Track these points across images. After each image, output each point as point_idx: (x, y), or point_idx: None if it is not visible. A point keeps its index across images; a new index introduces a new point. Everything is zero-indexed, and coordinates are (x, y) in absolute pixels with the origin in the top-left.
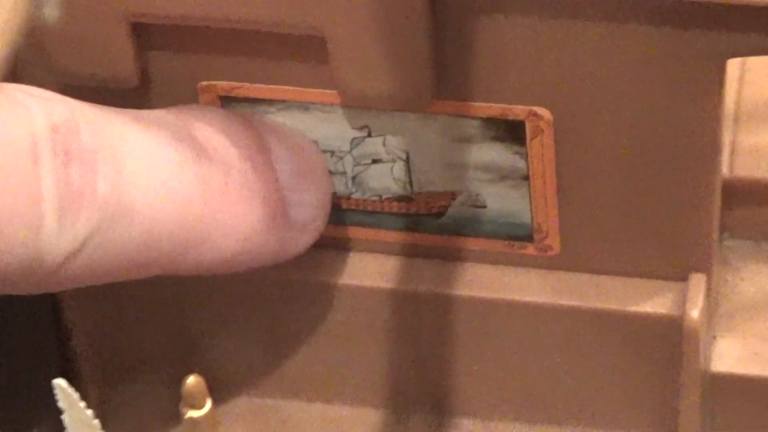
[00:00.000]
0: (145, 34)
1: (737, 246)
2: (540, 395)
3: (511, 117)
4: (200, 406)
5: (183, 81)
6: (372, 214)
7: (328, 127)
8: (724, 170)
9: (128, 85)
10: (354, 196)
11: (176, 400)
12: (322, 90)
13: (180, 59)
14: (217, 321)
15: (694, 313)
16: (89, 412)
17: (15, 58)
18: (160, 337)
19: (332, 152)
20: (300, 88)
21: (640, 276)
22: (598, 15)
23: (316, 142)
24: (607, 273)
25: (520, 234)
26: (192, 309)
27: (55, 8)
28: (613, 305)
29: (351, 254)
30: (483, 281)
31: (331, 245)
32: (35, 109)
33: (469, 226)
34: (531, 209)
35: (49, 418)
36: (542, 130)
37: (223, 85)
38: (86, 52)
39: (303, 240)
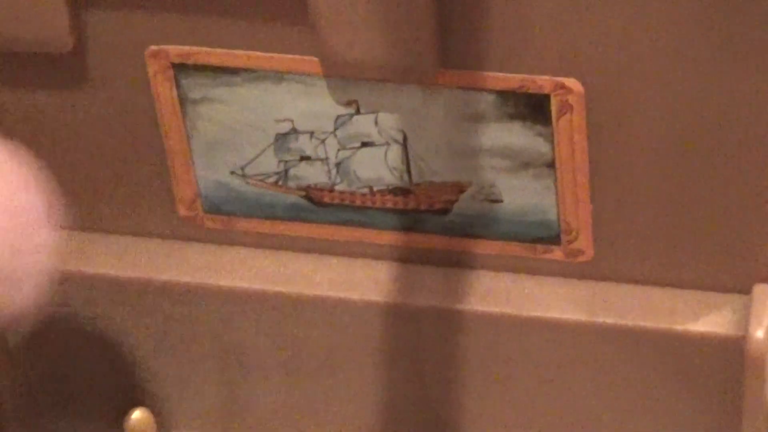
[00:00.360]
0: None
1: None
2: (569, 430)
3: (533, 90)
4: None
5: (128, 45)
6: (361, 211)
7: (307, 103)
8: None
9: (61, 48)
10: (338, 187)
11: None
12: (299, 56)
13: (123, 18)
14: (162, 347)
15: (759, 332)
16: None
17: None
18: (98, 366)
19: (311, 133)
20: (272, 54)
21: (693, 287)
22: None
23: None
24: (650, 283)
25: (545, 235)
26: (135, 333)
27: None
28: (658, 323)
29: (334, 260)
30: (498, 293)
31: (308, 249)
32: None
33: (481, 225)
34: (558, 204)
35: None
36: (571, 107)
37: (176, 50)
38: (13, 10)
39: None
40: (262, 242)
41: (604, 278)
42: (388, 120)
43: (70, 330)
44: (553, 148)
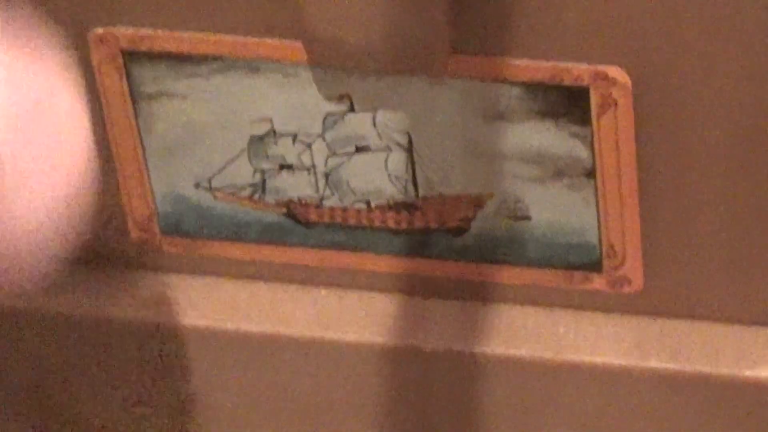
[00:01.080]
0: None
1: None
2: None
3: (567, 81)
4: None
5: (65, 27)
6: (356, 231)
7: (289, 98)
8: None
9: None
10: (328, 202)
11: None
12: (279, 40)
13: None
14: (106, 394)
15: None
16: None
17: None
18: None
19: (294, 135)
20: (245, 38)
21: (761, 323)
22: None
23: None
24: (711, 320)
25: (583, 260)
26: (72, 379)
27: None
28: (721, 367)
29: (322, 293)
30: (526, 332)
31: (291, 279)
32: None
33: (505, 248)
34: (599, 222)
35: None
36: (615, 102)
37: (127, 33)
38: None
39: None
40: (232, 270)
41: (655, 313)
42: (389, 119)
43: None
44: (593, 153)
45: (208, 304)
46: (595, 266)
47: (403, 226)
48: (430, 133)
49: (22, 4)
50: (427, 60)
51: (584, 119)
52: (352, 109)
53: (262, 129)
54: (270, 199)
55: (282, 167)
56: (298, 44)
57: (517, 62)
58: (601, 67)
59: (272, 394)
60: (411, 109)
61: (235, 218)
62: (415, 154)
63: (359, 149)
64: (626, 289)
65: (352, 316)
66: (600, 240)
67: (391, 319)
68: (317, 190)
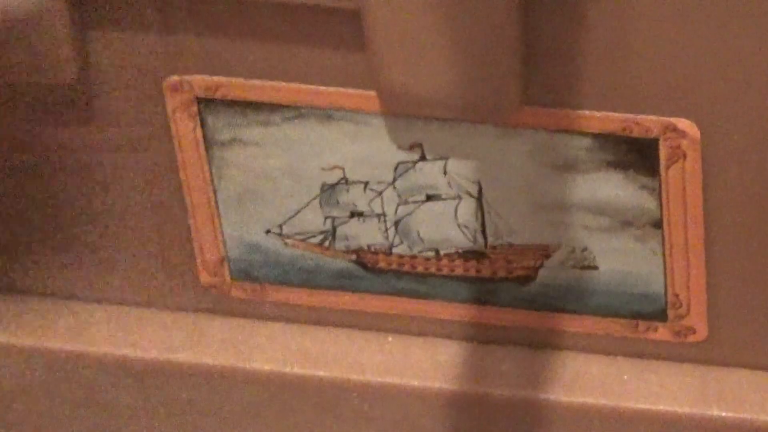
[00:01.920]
0: (86, 6)
1: None
2: None
3: (636, 133)
4: None
5: (142, 74)
6: (424, 279)
7: (361, 146)
8: None
9: (63, 78)
10: (397, 250)
11: None
12: (352, 90)
13: (138, 41)
14: None
15: None
16: None
17: None
18: None
19: (365, 183)
20: (319, 87)
21: None
22: None
23: None
24: None
25: (648, 310)
26: (146, 424)
27: None
28: None
29: (389, 339)
30: (590, 380)
31: (358, 325)
32: None
33: (571, 297)
34: (665, 273)
35: None
36: (684, 154)
37: (201, 81)
38: (7, 33)
39: None
40: (301, 316)
41: (720, 362)
42: (460, 168)
43: (62, 416)
44: (660, 204)
45: (275, 349)
46: (659, 316)
47: (471, 274)
48: (501, 182)
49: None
50: (497, 110)
51: (653, 170)
52: (423, 158)
53: (333, 177)
54: (340, 245)
55: (353, 215)
56: (371, 93)
57: (588, 114)
58: (671, 120)
59: None
60: (481, 159)
61: (305, 264)
62: (484, 204)
63: (429, 197)
64: (690, 339)
65: (418, 362)
66: (665, 290)
67: (457, 366)
68: (387, 238)
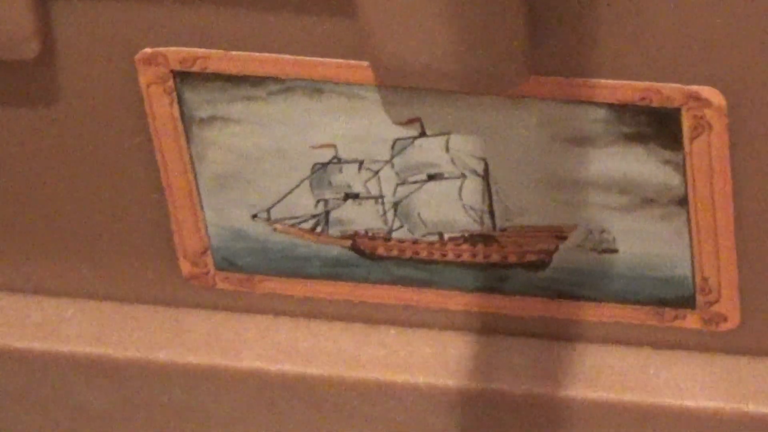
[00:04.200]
0: None
1: None
2: None
3: (657, 103)
4: None
5: (113, 47)
6: (427, 266)
7: (355, 122)
8: None
9: (24, 54)
10: (397, 234)
11: None
12: (345, 61)
13: (107, 12)
14: None
15: None
16: None
17: None
18: None
19: (360, 162)
20: (308, 58)
21: None
22: None
23: None
24: None
25: (675, 296)
26: (126, 427)
27: None
28: None
29: (391, 332)
30: (612, 374)
31: (356, 318)
32: None
33: (589, 283)
34: (692, 254)
35: None
36: (709, 125)
37: (178, 53)
38: None
39: None
40: (292, 309)
41: (753, 352)
42: (463, 144)
43: (33, 420)
44: (685, 180)
45: (265, 345)
46: (687, 302)
47: (479, 259)
48: (508, 159)
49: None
50: (502, 80)
51: (676, 143)
52: (423, 134)
53: (325, 156)
54: (334, 231)
55: (347, 197)
56: (365, 64)
57: (602, 83)
58: (694, 88)
59: None
60: (487, 134)
61: (296, 252)
62: (491, 182)
63: (431, 177)
64: (721, 327)
65: (423, 357)
66: (693, 274)
67: (465, 361)
68: (385, 222)
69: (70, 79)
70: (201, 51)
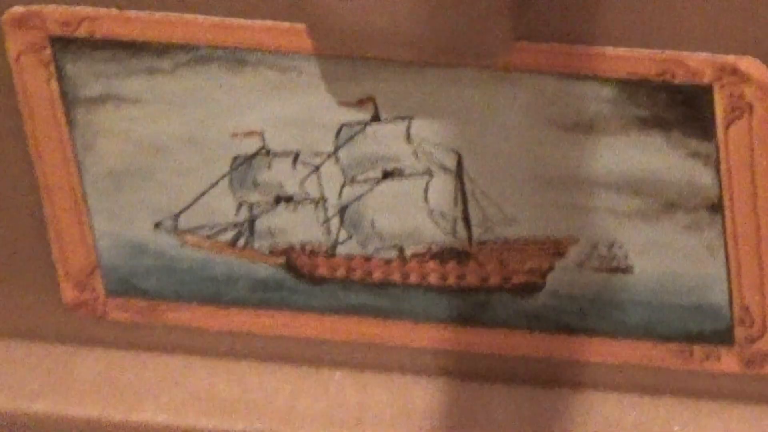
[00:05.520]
0: None
1: None
2: None
3: (681, 78)
4: None
5: None
6: (384, 291)
7: (288, 103)
8: None
9: None
10: (343, 249)
11: None
12: (274, 23)
13: None
14: None
15: None
16: None
17: None
18: None
19: (295, 155)
20: (227, 19)
21: None
22: None
23: None
24: None
25: (707, 330)
26: None
27: None
28: None
29: (335, 376)
30: (625, 429)
31: (289, 358)
32: None
33: (595, 313)
34: (729, 276)
35: None
36: (750, 106)
37: (58, 13)
38: None
39: None
40: (208, 346)
41: None
42: (429, 131)
43: None
44: (719, 178)
45: (171, 393)
46: (723, 337)
47: (450, 282)
48: (487, 150)
49: None
50: (482, 48)
51: (705, 131)
52: (376, 118)
53: (249, 146)
54: (261, 245)
55: (278, 200)
56: (300, 27)
57: (610, 52)
58: (729, 58)
59: None
60: (460, 118)
61: (212, 272)
62: (466, 181)
63: (387, 174)
64: (766, 369)
65: (378, 408)
66: (730, 300)
67: (433, 413)
68: (328, 233)
69: None
70: (88, 10)
